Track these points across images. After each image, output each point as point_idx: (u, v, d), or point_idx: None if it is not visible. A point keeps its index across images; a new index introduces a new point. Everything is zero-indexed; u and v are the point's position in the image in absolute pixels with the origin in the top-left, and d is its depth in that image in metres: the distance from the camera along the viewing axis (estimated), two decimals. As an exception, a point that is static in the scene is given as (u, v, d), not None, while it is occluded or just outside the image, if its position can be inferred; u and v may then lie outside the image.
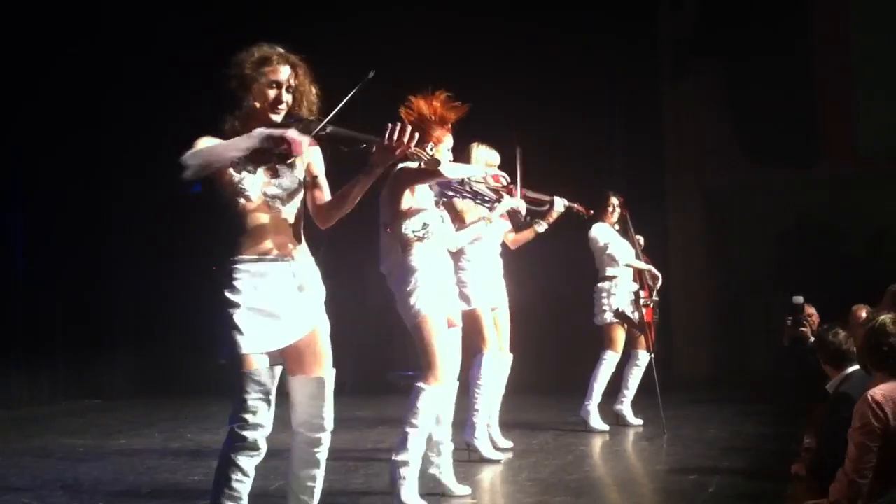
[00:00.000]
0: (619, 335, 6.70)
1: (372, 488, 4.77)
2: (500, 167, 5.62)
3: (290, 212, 3.19)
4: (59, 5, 8.74)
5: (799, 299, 5.71)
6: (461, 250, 5.60)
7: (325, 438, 3.30)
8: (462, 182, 4.76)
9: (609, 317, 6.65)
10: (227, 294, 3.07)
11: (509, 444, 5.87)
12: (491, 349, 5.55)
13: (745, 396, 8.37)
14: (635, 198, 9.51)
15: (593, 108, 9.99)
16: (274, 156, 3.08)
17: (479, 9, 9.32)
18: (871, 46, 10.65)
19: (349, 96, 3.13)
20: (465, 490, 4.53)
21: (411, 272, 4.25)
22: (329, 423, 3.29)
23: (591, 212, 6.49)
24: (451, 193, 4.80)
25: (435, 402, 4.21)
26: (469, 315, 5.46)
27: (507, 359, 5.91)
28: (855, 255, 10.44)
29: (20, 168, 8.86)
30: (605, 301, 6.69)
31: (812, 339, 5.63)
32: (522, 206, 5.59)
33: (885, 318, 3.54)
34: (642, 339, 6.81)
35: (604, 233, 6.76)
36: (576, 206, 6.30)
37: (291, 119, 3.16)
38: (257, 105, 3.13)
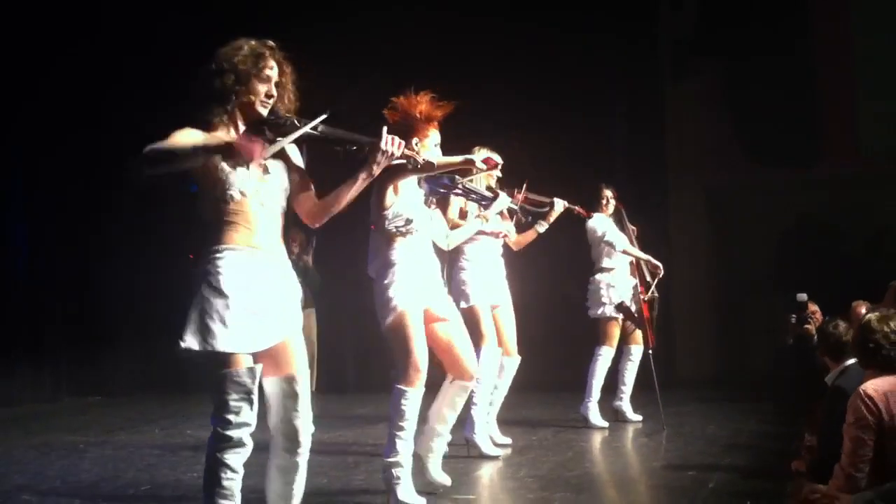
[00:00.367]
0: (615, 330, 6.72)
1: (373, 486, 4.77)
2: (502, 171, 5.62)
3: (276, 210, 3.19)
4: (60, 5, 8.75)
5: (803, 297, 5.72)
6: (460, 250, 5.64)
7: (304, 441, 3.19)
8: (453, 180, 4.72)
9: (608, 310, 6.66)
10: (213, 282, 3.00)
11: (508, 441, 5.88)
12: (489, 344, 5.56)
13: (745, 394, 8.36)
14: (636, 197, 9.54)
15: (594, 109, 10.00)
16: (267, 140, 3.08)
17: (479, 9, 9.33)
18: (871, 46, 10.65)
19: (306, 128, 3.10)
20: (445, 479, 4.50)
21: (390, 266, 4.23)
22: (307, 425, 3.19)
23: (591, 214, 6.58)
24: (442, 191, 4.76)
25: (417, 402, 4.19)
26: (467, 312, 5.51)
27: (515, 360, 5.92)
28: (856, 255, 10.43)
29: (21, 167, 8.89)
30: (602, 293, 6.69)
31: (816, 336, 5.64)
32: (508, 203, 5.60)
33: (872, 315, 3.57)
34: (636, 334, 6.82)
35: (602, 223, 6.78)
36: (576, 208, 6.42)
37: (274, 118, 3.15)
38: (251, 98, 3.13)
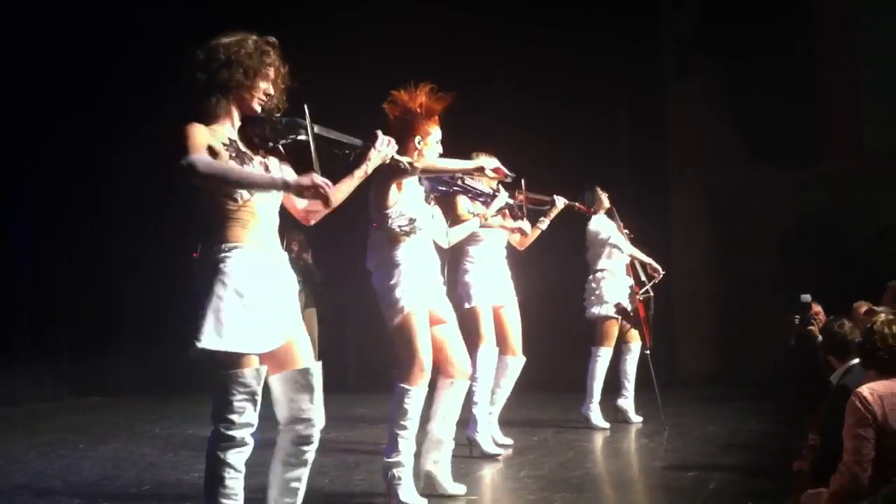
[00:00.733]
0: (614, 330, 6.72)
1: (373, 486, 4.77)
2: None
3: (275, 208, 3.20)
4: (59, 5, 8.74)
5: (807, 297, 5.73)
6: (465, 250, 5.65)
7: (315, 435, 3.19)
8: (453, 177, 4.72)
9: (607, 309, 6.66)
10: (221, 281, 2.98)
11: (509, 442, 5.88)
12: (486, 345, 5.59)
13: (746, 394, 8.37)
14: (637, 197, 9.55)
15: (595, 108, 10.00)
16: (269, 139, 3.13)
17: (480, 9, 9.32)
18: (873, 44, 10.65)
19: (311, 129, 3.14)
20: (460, 489, 4.49)
21: (395, 266, 4.22)
22: (319, 417, 3.19)
23: (592, 210, 6.59)
24: (442, 189, 4.75)
25: (420, 401, 4.19)
26: (469, 312, 5.54)
27: (520, 360, 5.93)
28: (857, 254, 10.43)
29: (22, 168, 8.88)
30: (601, 294, 6.69)
31: (820, 336, 5.65)
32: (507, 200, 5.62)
33: (881, 317, 3.59)
34: (632, 332, 6.82)
35: (605, 225, 6.78)
36: (577, 204, 6.47)
37: (273, 117, 3.16)
38: (252, 94, 3.12)
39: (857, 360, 4.10)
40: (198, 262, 3.06)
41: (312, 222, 3.35)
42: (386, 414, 7.22)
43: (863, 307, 5.29)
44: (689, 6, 10.89)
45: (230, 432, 2.98)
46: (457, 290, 5.43)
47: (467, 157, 4.91)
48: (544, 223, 6.14)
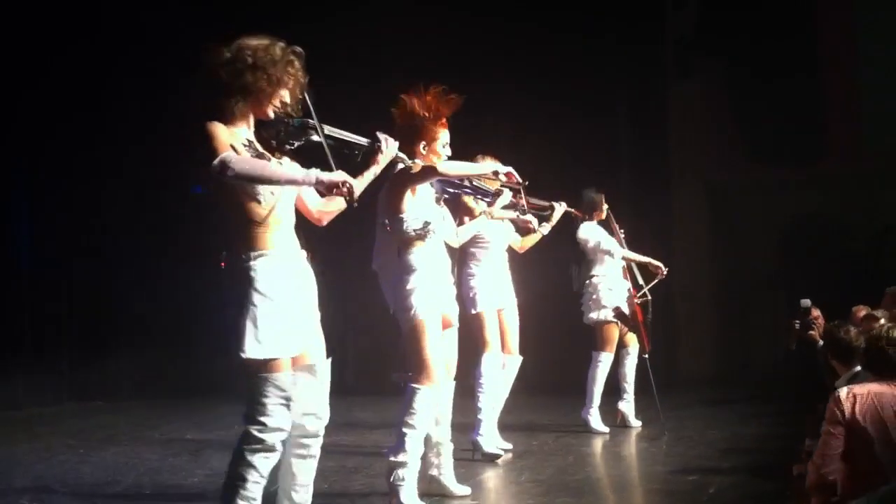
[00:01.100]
0: (614, 334, 6.72)
1: (373, 490, 4.77)
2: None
3: (292, 211, 3.24)
4: (63, 3, 8.73)
5: (806, 302, 5.74)
6: (470, 254, 5.70)
7: (321, 430, 3.25)
8: (462, 179, 4.73)
9: (605, 314, 6.66)
10: (253, 289, 3.03)
11: (508, 446, 5.88)
12: (492, 351, 5.65)
13: (747, 396, 8.37)
14: (639, 197, 9.56)
15: (596, 109, 10.00)
16: (288, 141, 3.15)
17: (481, 11, 9.32)
18: (874, 44, 10.66)
19: (321, 130, 3.18)
20: (465, 490, 4.53)
21: (410, 271, 4.24)
22: (325, 413, 3.25)
23: (584, 216, 6.59)
24: (451, 190, 4.76)
25: (431, 402, 4.21)
26: (474, 318, 5.62)
27: (516, 360, 5.95)
28: (858, 254, 10.44)
29: (24, 170, 8.86)
30: (599, 299, 6.69)
31: (820, 341, 5.65)
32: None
33: (879, 324, 3.64)
34: (629, 335, 6.82)
35: (593, 231, 6.78)
36: (573, 210, 6.48)
37: (287, 119, 3.18)
38: (271, 101, 3.15)
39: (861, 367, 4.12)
40: (227, 272, 3.11)
41: (325, 223, 3.40)
42: (384, 418, 7.29)
43: (861, 311, 5.30)
44: (689, 6, 10.89)
45: (262, 435, 3.01)
46: (461, 293, 5.42)
47: (469, 158, 4.93)
48: (546, 228, 6.17)
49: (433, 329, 4.22)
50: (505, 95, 9.68)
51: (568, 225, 6.54)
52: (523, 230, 6.14)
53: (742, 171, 10.81)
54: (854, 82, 10.85)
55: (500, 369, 5.74)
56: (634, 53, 10.17)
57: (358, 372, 9.79)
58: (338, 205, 3.33)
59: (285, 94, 3.16)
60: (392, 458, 4.22)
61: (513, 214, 5.80)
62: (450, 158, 4.42)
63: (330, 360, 3.31)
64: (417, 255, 4.27)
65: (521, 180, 4.64)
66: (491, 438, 5.70)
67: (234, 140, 3.06)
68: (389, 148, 3.44)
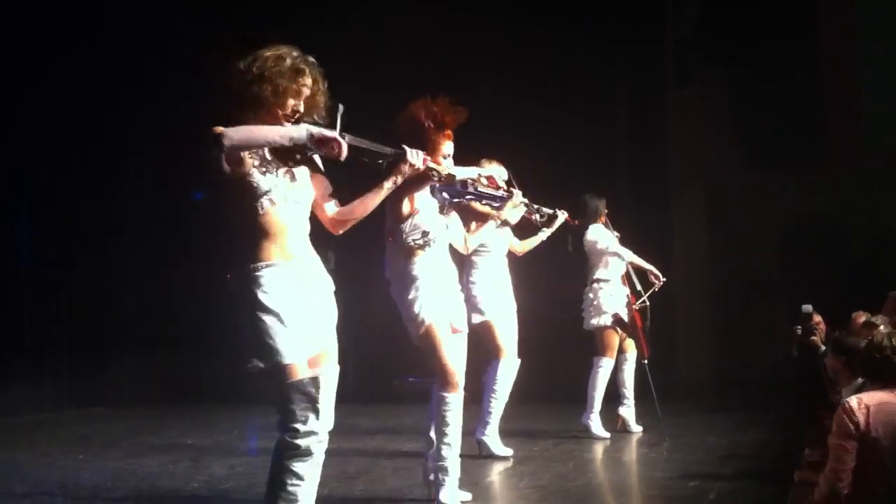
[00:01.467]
0: (615, 340, 6.72)
1: (374, 496, 4.78)
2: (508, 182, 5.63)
3: (305, 215, 3.23)
4: (63, 3, 8.71)
5: (808, 308, 5.75)
6: (471, 262, 5.74)
7: (325, 435, 3.24)
8: (465, 185, 4.72)
9: (605, 320, 6.65)
10: (262, 299, 3.04)
11: (509, 452, 5.88)
12: (508, 357, 5.77)
13: (747, 402, 8.36)
14: (639, 201, 9.55)
15: (596, 112, 10.00)
16: (302, 157, 3.13)
17: (481, 13, 9.31)
18: (874, 46, 10.64)
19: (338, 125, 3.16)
20: (465, 496, 4.53)
21: (412, 281, 4.28)
22: (330, 419, 3.25)
23: (577, 222, 6.58)
24: (456, 199, 4.73)
25: (457, 405, 4.30)
26: (482, 326, 5.70)
27: (514, 363, 5.96)
28: (859, 257, 10.43)
29: (26, 178, 8.84)
30: (599, 305, 6.69)
31: (822, 347, 5.65)
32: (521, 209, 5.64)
33: (879, 330, 3.62)
34: (628, 341, 6.82)
35: (602, 234, 6.77)
36: (570, 220, 6.42)
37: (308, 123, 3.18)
38: (279, 111, 3.15)
39: None
40: (233, 283, 3.12)
41: (340, 231, 3.41)
42: (385, 424, 7.29)
43: (860, 317, 5.28)
44: (689, 10, 10.88)
45: (296, 441, 3.03)
46: (466, 305, 5.40)
47: (472, 163, 4.93)
48: (545, 233, 6.20)
49: (444, 334, 4.29)
50: (504, 100, 9.66)
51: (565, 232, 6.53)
52: (524, 231, 6.14)
53: (742, 174, 10.80)
54: (854, 82, 10.83)
55: (514, 375, 5.83)
56: (635, 58, 10.17)
57: (359, 378, 9.78)
58: (351, 216, 3.34)
59: (295, 103, 3.15)
60: (434, 464, 4.35)
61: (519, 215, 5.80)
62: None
63: (337, 367, 3.31)
64: (419, 264, 4.29)
65: (501, 186, 4.60)
66: (498, 439, 5.81)
67: None
68: (416, 160, 3.41)
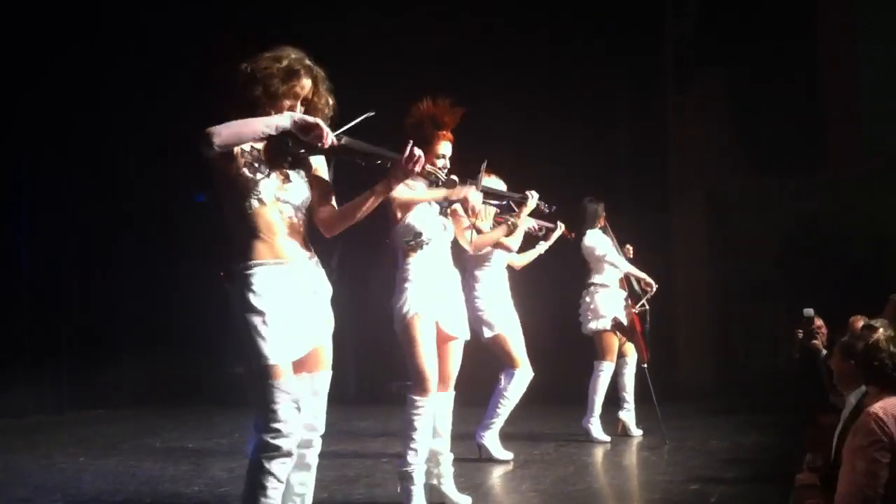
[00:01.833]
0: (614, 343, 6.73)
1: (373, 499, 4.77)
2: (509, 189, 5.63)
3: (300, 216, 3.20)
4: (63, 3, 8.71)
5: (809, 311, 5.74)
6: (473, 276, 5.72)
7: (317, 440, 3.27)
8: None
9: (604, 323, 6.66)
10: (249, 299, 3.04)
11: (509, 456, 5.88)
12: (523, 367, 5.78)
13: (748, 405, 8.35)
14: (639, 205, 9.54)
15: (597, 116, 10.00)
16: (295, 158, 3.11)
17: (481, 17, 9.31)
18: (874, 48, 10.63)
19: (351, 124, 3.16)
20: (465, 500, 4.53)
21: (403, 281, 4.28)
22: (321, 424, 3.27)
23: (573, 235, 6.58)
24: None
25: (426, 410, 4.22)
26: (495, 340, 5.71)
27: (529, 375, 5.96)
28: (860, 261, 10.42)
29: (26, 179, 8.83)
30: (597, 309, 6.69)
31: (824, 350, 5.63)
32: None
33: (880, 333, 3.56)
34: (627, 345, 6.82)
35: (600, 241, 6.78)
36: (566, 233, 6.46)
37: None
38: (272, 113, 3.13)
39: None
40: (226, 283, 3.12)
41: (329, 234, 3.35)
42: (385, 426, 7.28)
43: (859, 322, 5.26)
44: (690, 13, 10.87)
45: (276, 441, 3.00)
46: (472, 321, 5.33)
47: (469, 168, 4.91)
48: (543, 246, 6.25)
49: (424, 338, 4.21)
50: (505, 104, 9.66)
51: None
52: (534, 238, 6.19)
53: (742, 178, 10.79)
54: (854, 83, 10.82)
55: (526, 385, 5.84)
56: (635, 62, 10.16)
57: (358, 381, 9.78)
58: (344, 218, 3.28)
59: (290, 104, 3.14)
60: (399, 469, 4.27)
61: (532, 223, 5.81)
62: (448, 170, 4.37)
63: (329, 371, 3.29)
64: (413, 266, 4.29)
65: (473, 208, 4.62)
66: (498, 442, 5.83)
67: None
68: (413, 164, 3.27)
